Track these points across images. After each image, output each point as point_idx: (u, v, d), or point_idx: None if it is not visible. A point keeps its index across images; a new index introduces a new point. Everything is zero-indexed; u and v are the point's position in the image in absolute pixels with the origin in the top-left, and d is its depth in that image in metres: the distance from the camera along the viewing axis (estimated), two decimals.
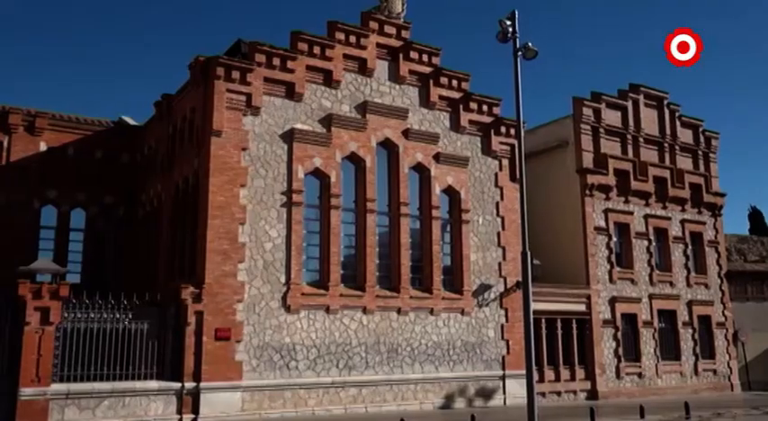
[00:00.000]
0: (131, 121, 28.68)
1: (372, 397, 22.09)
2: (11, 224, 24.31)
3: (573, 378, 27.66)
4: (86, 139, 26.37)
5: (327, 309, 21.85)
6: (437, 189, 24.89)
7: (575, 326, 28.08)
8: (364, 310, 22.50)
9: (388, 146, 24.23)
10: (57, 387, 17.59)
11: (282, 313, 21.06)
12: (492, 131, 26.43)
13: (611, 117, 31.64)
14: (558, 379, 27.21)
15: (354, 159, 23.40)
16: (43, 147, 25.48)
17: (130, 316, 18.92)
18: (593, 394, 27.84)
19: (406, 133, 24.47)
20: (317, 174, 22.59)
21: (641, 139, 32.43)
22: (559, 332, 27.56)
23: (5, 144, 24.91)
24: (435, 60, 25.52)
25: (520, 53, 17.24)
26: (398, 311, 23.18)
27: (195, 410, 19.14)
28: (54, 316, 17.66)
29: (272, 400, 20.36)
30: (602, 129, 31.00)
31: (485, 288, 25.24)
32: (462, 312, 24.56)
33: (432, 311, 23.88)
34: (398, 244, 23.66)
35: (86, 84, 59.92)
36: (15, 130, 25.06)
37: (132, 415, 18.38)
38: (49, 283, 17.97)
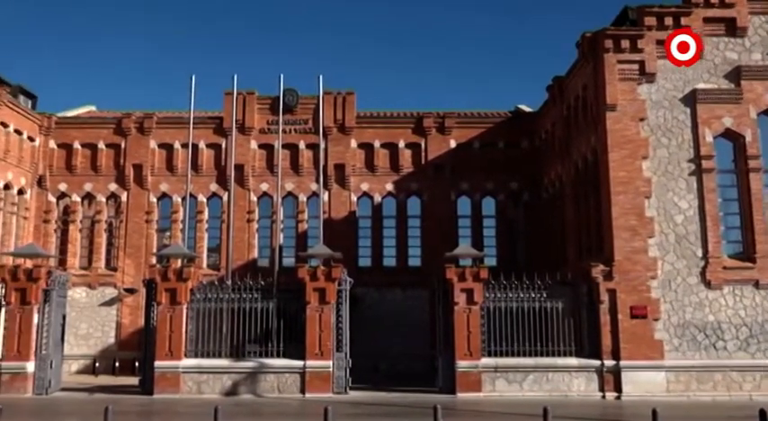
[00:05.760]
0: (527, 109, 29.92)
1: None
2: (435, 215, 27.82)
3: None
4: (488, 132, 28.45)
5: (756, 284, 19.59)
6: None
7: None
8: None
9: None
10: (486, 361, 19.37)
11: (702, 289, 19.60)
12: None
13: None
14: None
15: None
16: (452, 144, 28.34)
17: (544, 295, 19.80)
18: None
19: None
20: (729, 135, 20.45)
21: None
22: None
23: (423, 145, 28.38)
24: None
25: None
26: None
27: (617, 388, 19.05)
28: (477, 296, 19.55)
29: (699, 382, 19.09)
30: None
31: None
32: None
33: None
34: None
35: (482, 80, 64.47)
36: (429, 132, 28.36)
37: (556, 390, 19.18)
38: (471, 267, 19.88)
